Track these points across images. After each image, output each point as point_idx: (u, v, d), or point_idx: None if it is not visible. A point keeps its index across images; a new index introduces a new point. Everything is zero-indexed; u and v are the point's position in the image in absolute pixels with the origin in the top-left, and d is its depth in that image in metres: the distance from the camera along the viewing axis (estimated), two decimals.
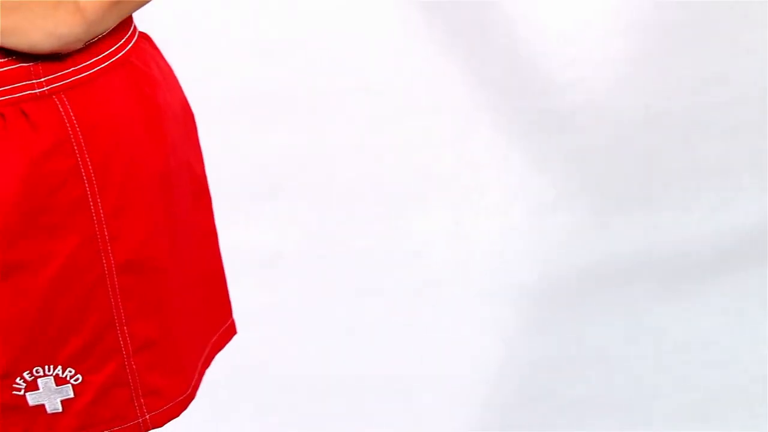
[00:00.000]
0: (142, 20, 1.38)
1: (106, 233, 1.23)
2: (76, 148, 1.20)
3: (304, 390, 2.31)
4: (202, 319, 1.40)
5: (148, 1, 1.23)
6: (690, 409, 2.27)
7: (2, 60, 1.17)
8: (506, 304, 2.43)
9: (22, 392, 1.25)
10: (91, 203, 1.21)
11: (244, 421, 2.26)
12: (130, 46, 1.26)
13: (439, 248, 2.43)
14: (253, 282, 2.21)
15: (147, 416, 1.30)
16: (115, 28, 1.25)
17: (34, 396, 1.25)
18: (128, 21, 1.28)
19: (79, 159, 1.20)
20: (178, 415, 1.33)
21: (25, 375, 1.24)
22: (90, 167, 1.21)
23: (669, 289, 2.48)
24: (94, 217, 1.22)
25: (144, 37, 1.33)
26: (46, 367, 1.24)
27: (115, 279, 1.24)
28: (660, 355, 2.39)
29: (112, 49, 1.24)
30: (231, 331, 1.47)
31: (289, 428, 2.26)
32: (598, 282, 2.46)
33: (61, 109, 1.19)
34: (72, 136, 1.20)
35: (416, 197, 2.44)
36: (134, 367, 1.28)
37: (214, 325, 1.44)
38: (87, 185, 1.21)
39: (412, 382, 2.34)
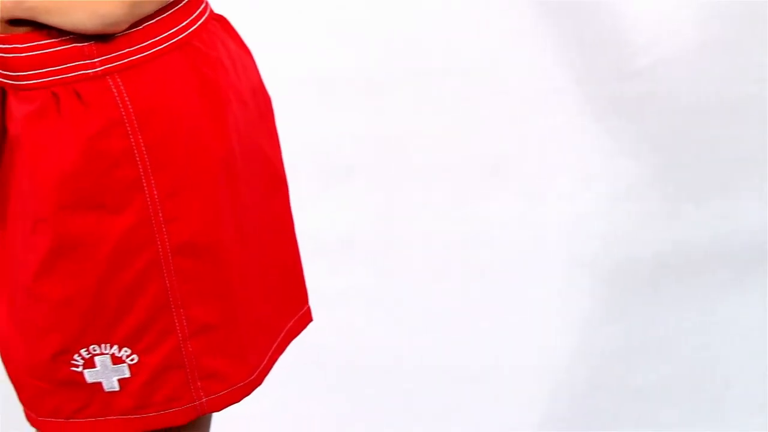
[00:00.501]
0: (217, 2, 1.38)
1: (160, 215, 1.23)
2: (129, 129, 1.20)
3: (375, 374, 2.31)
4: (274, 306, 1.39)
5: None
6: (762, 399, 2.24)
7: (55, 40, 1.19)
8: (577, 291, 2.40)
9: (80, 369, 1.26)
10: (145, 185, 1.22)
11: (316, 405, 2.26)
12: (193, 28, 1.26)
13: (510, 233, 2.40)
14: (326, 265, 2.21)
15: (204, 399, 1.30)
16: (177, 10, 1.25)
17: (91, 373, 1.27)
18: (195, 3, 1.28)
19: (132, 140, 1.21)
20: (239, 400, 1.33)
21: (83, 352, 1.26)
22: (144, 149, 1.21)
23: (742, 278, 2.43)
24: (148, 199, 1.22)
25: (216, 18, 1.33)
26: (103, 345, 1.25)
27: (171, 261, 1.25)
28: (732, 344, 2.35)
29: (171, 31, 1.24)
30: (306, 318, 1.46)
31: (362, 411, 2.26)
32: (671, 270, 2.42)
33: (114, 91, 1.20)
34: (125, 117, 1.20)
35: (488, 182, 2.41)
36: (190, 350, 1.28)
37: (289, 311, 1.43)
38: (140, 167, 1.21)
39: (482, 367, 2.32)
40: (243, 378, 1.33)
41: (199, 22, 1.28)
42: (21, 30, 1.20)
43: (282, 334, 1.41)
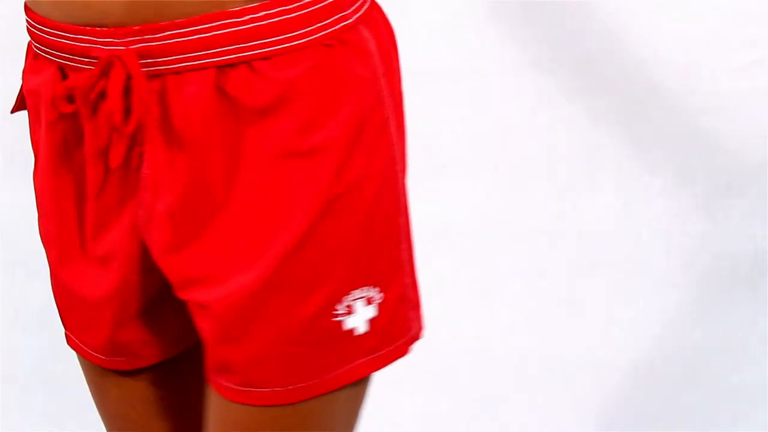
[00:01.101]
0: None
1: (397, 155, 1.31)
2: (380, 72, 1.28)
3: (464, 365, 2.32)
4: None
5: None
6: None
7: None
8: (675, 287, 2.44)
9: (340, 318, 1.28)
10: (390, 126, 1.30)
11: (403, 396, 2.25)
12: None
13: (607, 229, 2.43)
14: (420, 257, 2.15)
15: (416, 328, 1.39)
16: None
17: (350, 320, 1.29)
18: None
19: (382, 83, 1.28)
20: (424, 326, 1.43)
21: (345, 299, 1.28)
22: (387, 92, 1.29)
23: None
24: (392, 138, 1.30)
25: None
26: (363, 288, 1.29)
27: (404, 198, 1.33)
28: None
29: None
30: None
31: (449, 404, 2.28)
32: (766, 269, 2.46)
33: (367, 37, 1.27)
34: (378, 62, 1.27)
35: (584, 177, 2.41)
36: (408, 282, 1.36)
37: None
38: (387, 109, 1.29)
39: (576, 363, 2.38)
40: (420, 306, 1.43)
41: None
42: None
43: None
